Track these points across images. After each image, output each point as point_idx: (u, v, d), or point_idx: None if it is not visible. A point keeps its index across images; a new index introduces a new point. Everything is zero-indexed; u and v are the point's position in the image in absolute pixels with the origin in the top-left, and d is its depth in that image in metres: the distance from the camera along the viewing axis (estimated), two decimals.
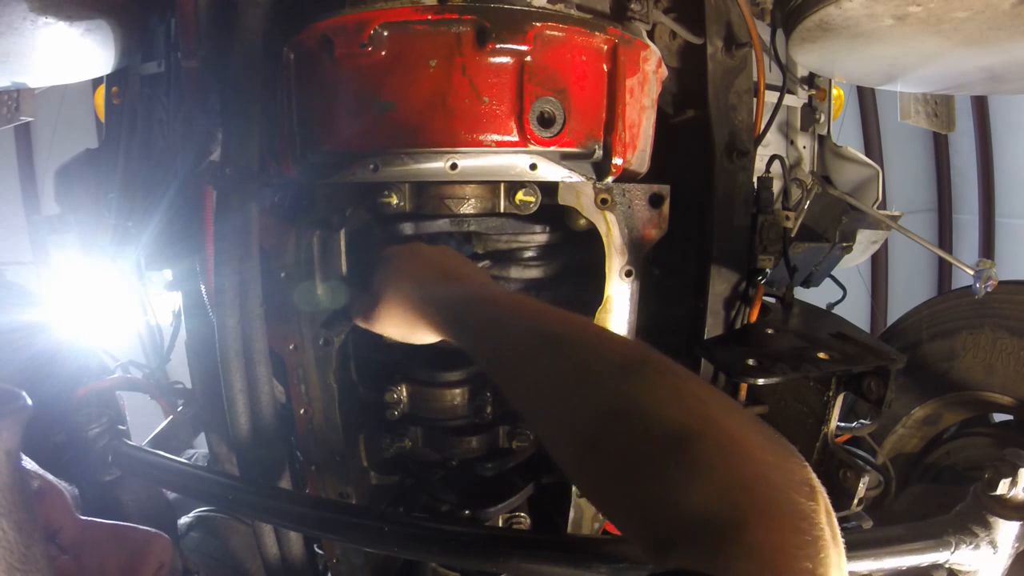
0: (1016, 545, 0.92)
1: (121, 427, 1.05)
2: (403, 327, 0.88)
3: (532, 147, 0.89)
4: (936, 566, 0.93)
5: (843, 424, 1.41)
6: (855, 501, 1.09)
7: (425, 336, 0.86)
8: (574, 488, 1.07)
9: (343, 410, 1.07)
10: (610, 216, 0.94)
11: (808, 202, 1.62)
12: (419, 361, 1.08)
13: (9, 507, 0.41)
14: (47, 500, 0.53)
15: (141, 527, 0.60)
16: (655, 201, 0.96)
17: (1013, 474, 0.90)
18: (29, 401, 0.44)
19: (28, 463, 0.53)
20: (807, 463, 0.50)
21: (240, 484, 0.96)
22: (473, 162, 0.90)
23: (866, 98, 5.53)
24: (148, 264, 1.24)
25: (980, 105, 5.36)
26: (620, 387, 0.57)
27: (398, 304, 0.87)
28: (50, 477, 0.55)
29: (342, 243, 0.99)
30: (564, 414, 0.60)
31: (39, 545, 0.42)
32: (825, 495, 0.48)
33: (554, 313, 0.72)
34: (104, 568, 0.55)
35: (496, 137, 0.88)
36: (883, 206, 1.96)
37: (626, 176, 0.98)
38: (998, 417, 1.71)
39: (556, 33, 0.88)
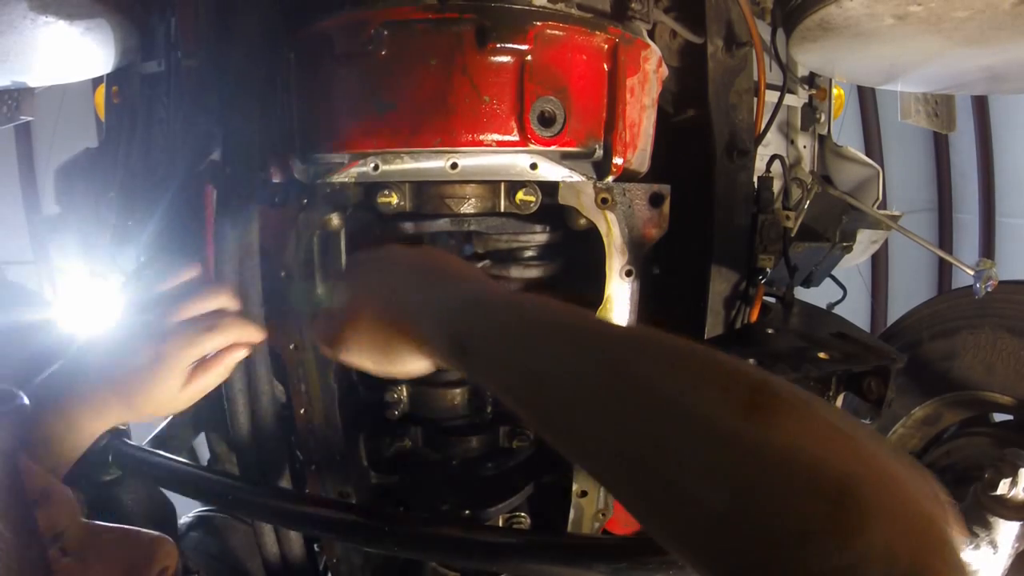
0: (1016, 545, 0.92)
1: (121, 427, 1.05)
2: (377, 351, 0.66)
3: (533, 146, 0.89)
4: None
5: None
6: None
7: (409, 361, 0.65)
8: (574, 487, 1.07)
9: (343, 410, 1.06)
10: (610, 215, 0.94)
11: (808, 202, 1.62)
12: None
13: (5, 508, 0.41)
14: (52, 501, 0.53)
15: (146, 530, 0.59)
16: (655, 200, 0.96)
17: (1013, 474, 0.90)
18: (26, 401, 0.44)
19: (34, 465, 0.53)
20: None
21: (240, 484, 0.96)
22: (473, 161, 0.90)
23: (866, 98, 5.54)
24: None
25: (980, 105, 5.36)
26: (747, 432, 0.40)
27: (369, 319, 0.67)
28: (55, 479, 0.55)
29: (342, 243, 0.99)
30: (668, 473, 0.43)
31: (37, 546, 0.42)
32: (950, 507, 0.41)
33: (607, 328, 0.53)
34: (108, 571, 0.55)
35: (496, 136, 0.88)
36: (883, 206, 1.96)
37: (626, 175, 0.98)
38: (998, 417, 1.71)
39: (557, 32, 0.88)
